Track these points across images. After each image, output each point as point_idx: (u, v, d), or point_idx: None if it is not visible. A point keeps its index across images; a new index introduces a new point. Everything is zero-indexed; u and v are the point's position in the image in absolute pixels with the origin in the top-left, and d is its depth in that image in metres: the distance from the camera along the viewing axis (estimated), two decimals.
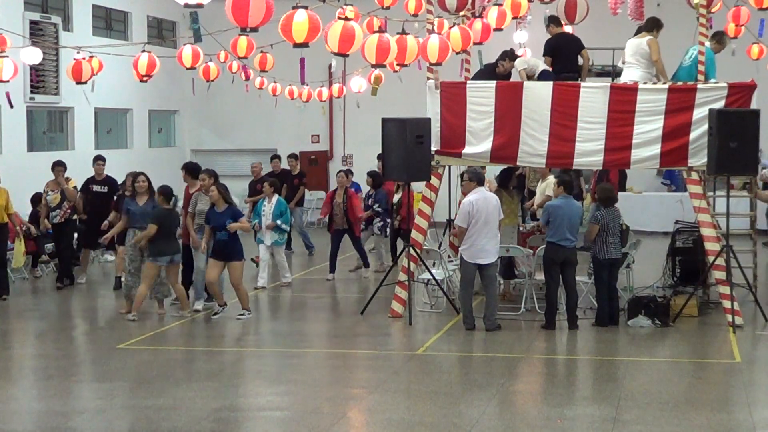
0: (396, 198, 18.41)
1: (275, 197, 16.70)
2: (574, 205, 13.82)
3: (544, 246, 13.86)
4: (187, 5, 10.21)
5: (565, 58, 15.10)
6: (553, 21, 15.85)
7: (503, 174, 16.17)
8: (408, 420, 9.71)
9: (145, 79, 16.77)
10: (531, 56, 16.59)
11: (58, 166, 17.23)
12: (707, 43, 14.20)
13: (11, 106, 17.74)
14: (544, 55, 15.33)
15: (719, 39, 14.93)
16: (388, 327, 14.05)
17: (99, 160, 18.09)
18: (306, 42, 10.57)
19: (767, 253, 19.38)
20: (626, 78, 14.48)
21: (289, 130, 27.73)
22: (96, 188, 17.67)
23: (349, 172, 23.29)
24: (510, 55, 15.12)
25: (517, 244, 15.20)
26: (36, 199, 18.00)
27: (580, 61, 15.38)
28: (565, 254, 13.52)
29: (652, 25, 14.62)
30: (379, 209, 18.35)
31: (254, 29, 9.96)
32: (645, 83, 14.11)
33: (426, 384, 11.12)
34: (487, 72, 15.22)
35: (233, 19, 9.91)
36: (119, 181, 17.40)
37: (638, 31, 15.10)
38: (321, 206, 19.57)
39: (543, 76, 14.80)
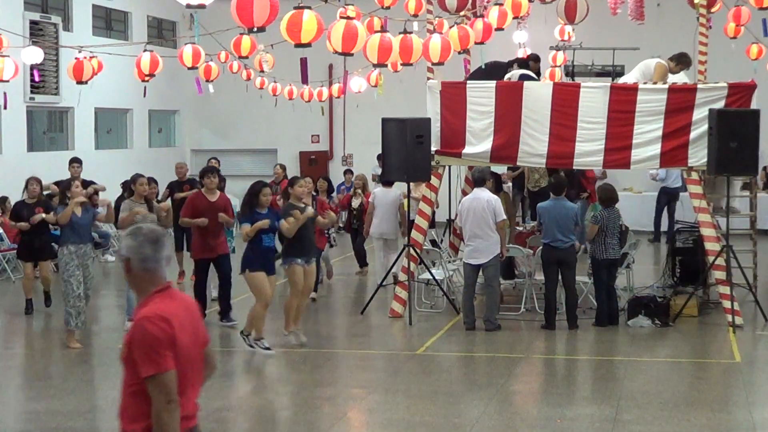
0: (356, 202, 17.98)
1: None
2: (563, 206, 13.59)
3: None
4: (189, 6, 10.21)
5: None
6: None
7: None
8: (408, 420, 9.71)
9: (147, 78, 16.73)
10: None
11: None
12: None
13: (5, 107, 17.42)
14: None
15: None
16: (388, 327, 14.06)
17: (75, 162, 17.11)
18: (310, 42, 10.58)
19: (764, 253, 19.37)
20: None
21: (289, 130, 27.74)
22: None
23: (348, 172, 23.18)
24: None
25: (514, 244, 15.20)
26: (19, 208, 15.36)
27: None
28: (558, 255, 13.48)
29: (675, 56, 14.60)
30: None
31: (261, 29, 9.95)
32: None
33: (426, 384, 11.12)
34: (485, 72, 15.22)
35: (238, 20, 9.91)
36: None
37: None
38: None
39: (522, 79, 14.80)
